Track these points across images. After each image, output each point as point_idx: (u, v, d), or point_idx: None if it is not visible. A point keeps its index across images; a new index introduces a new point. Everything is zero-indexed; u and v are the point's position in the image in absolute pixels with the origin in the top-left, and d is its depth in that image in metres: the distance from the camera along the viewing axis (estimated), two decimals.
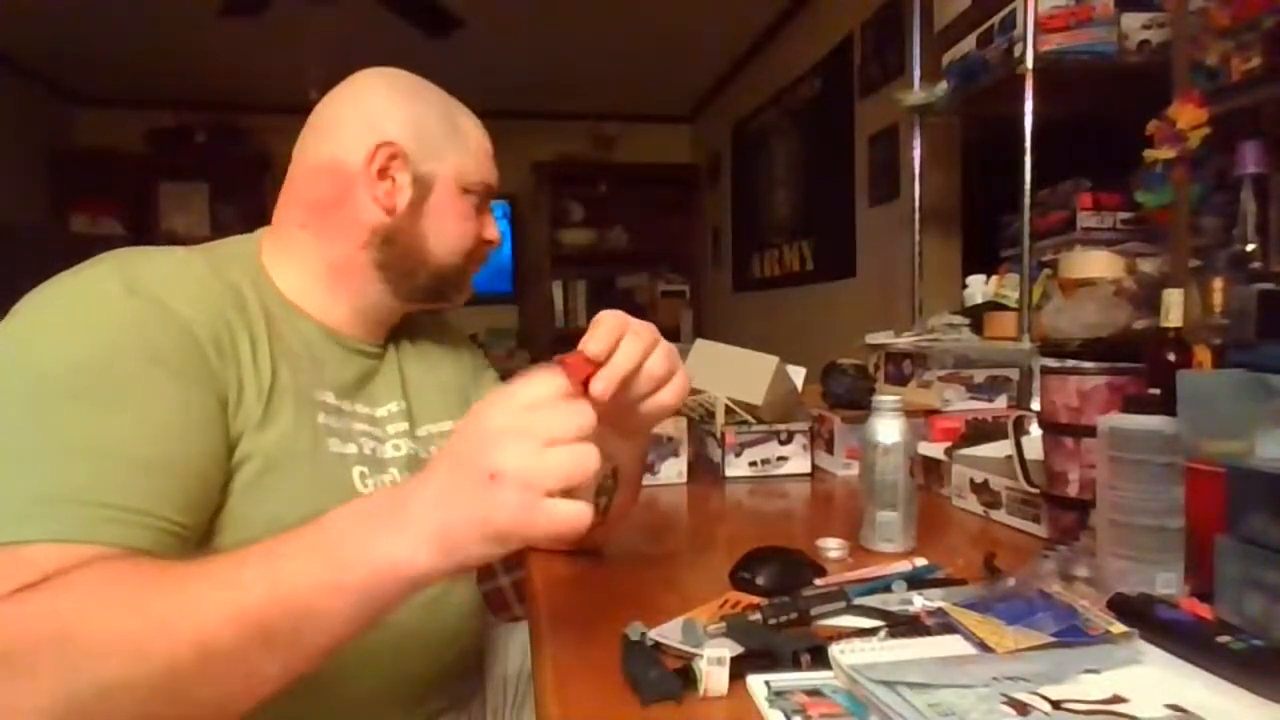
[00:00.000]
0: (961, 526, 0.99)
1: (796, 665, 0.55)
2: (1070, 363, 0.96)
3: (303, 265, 0.77)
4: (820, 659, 0.55)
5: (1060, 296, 1.47)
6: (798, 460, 1.27)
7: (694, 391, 1.26)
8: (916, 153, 2.13)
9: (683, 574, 0.85)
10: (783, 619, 0.61)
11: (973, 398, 1.37)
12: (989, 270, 1.84)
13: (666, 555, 0.93)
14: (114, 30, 3.55)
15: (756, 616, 0.61)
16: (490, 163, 0.83)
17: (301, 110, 0.83)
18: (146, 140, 4.45)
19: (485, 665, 0.95)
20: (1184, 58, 1.35)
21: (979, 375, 1.39)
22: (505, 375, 0.83)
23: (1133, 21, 1.61)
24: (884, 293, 2.66)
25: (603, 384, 0.58)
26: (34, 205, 4.16)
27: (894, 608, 0.65)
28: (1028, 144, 1.61)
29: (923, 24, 2.11)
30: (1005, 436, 0.96)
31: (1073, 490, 0.84)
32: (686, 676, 0.53)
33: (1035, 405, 1.19)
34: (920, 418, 1.20)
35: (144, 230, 4.38)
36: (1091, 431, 0.73)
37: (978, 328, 1.72)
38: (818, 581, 0.72)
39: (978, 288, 1.81)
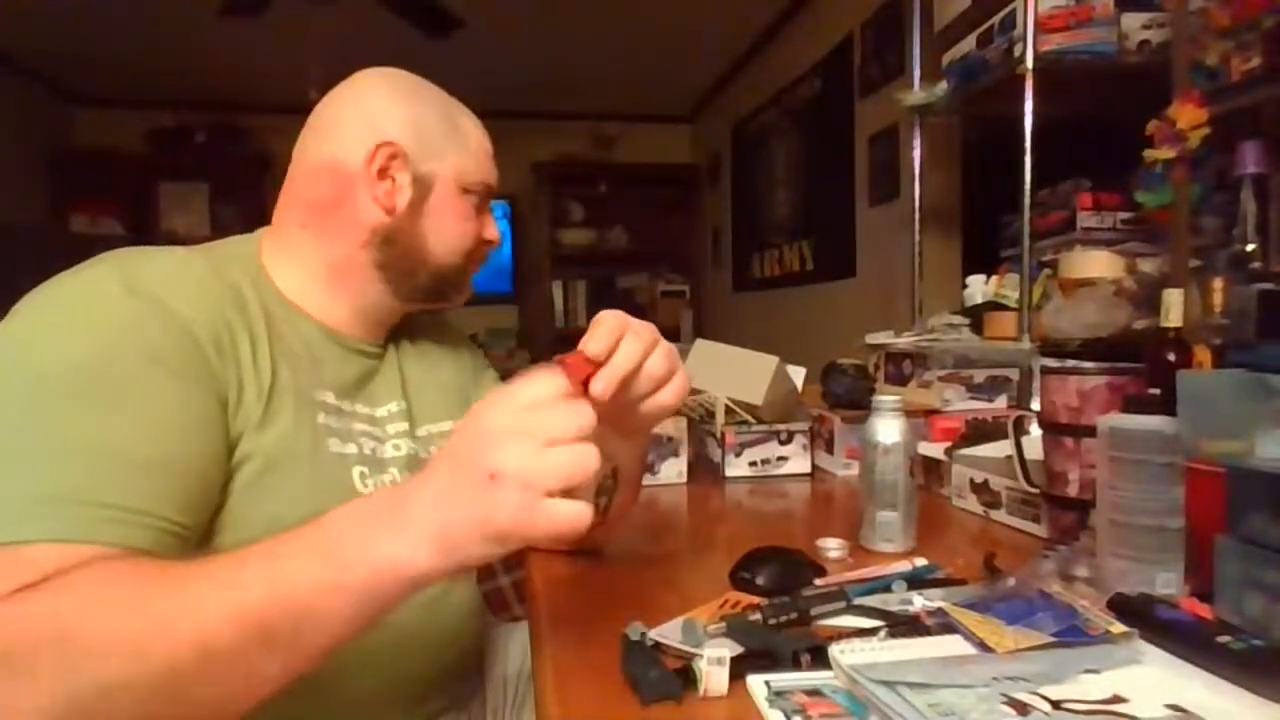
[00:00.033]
0: (961, 526, 0.99)
1: (796, 665, 0.55)
2: (1070, 363, 0.96)
3: (303, 265, 0.77)
4: (820, 659, 0.55)
5: (1060, 296, 1.47)
6: (798, 460, 1.27)
7: (694, 391, 1.26)
8: (916, 153, 2.13)
9: (683, 574, 0.85)
10: (783, 619, 0.61)
11: (973, 398, 1.37)
12: (989, 270, 1.84)
13: (666, 555, 0.93)
14: (114, 30, 3.55)
15: (756, 616, 0.61)
16: (490, 163, 0.83)
17: (301, 110, 0.83)
18: (146, 140, 4.45)
19: (485, 665, 0.95)
20: (1184, 58, 1.35)
21: (979, 375, 1.39)
22: (505, 375, 0.83)
23: (1133, 21, 1.61)
24: (884, 293, 2.66)
25: (603, 384, 0.58)
26: (34, 205, 4.16)
27: (894, 608, 0.65)
28: (1028, 144, 1.61)
29: (923, 24, 2.11)
30: (1005, 436, 0.96)
31: (1073, 490, 0.84)
32: (686, 676, 0.53)
33: (1035, 405, 1.19)
34: (920, 418, 1.20)
35: (144, 230, 4.38)
36: (1091, 431, 0.73)
37: (978, 328, 1.72)
38: (818, 581, 0.72)
39: (978, 288, 1.81)
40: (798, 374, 1.42)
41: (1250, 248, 1.19)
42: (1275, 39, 1.19)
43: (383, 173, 0.76)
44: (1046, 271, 1.64)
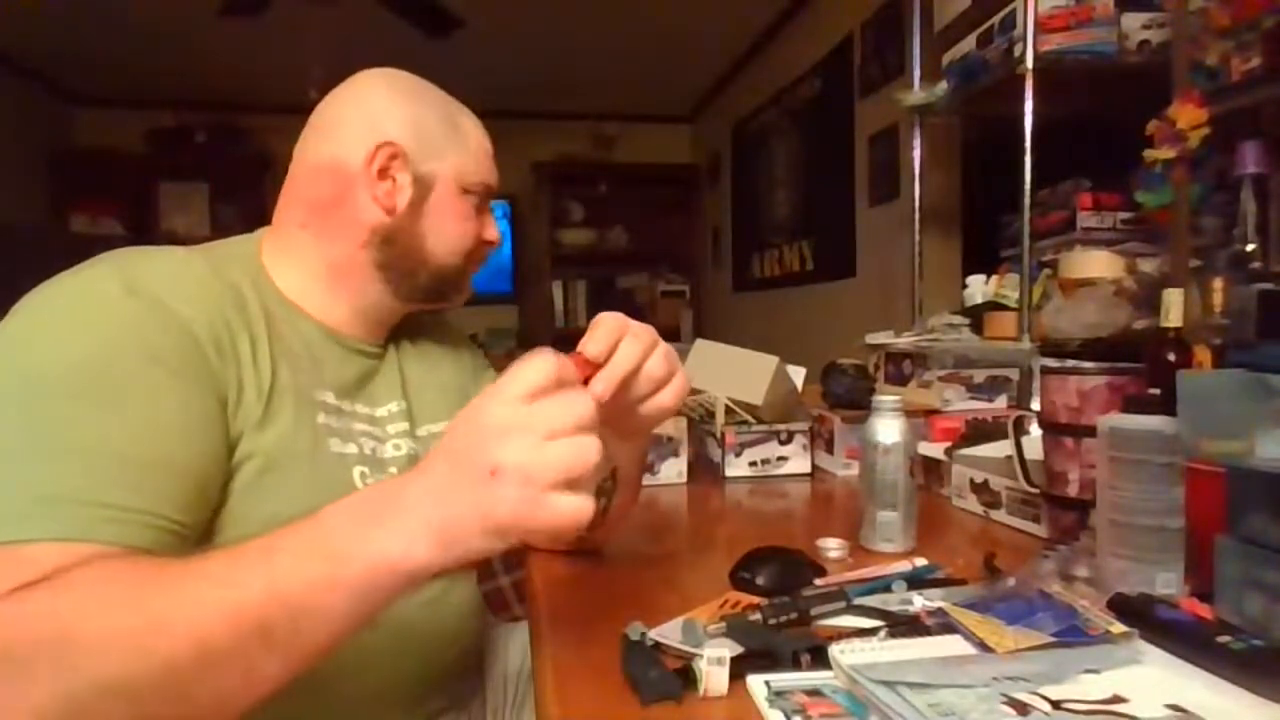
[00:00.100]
0: (961, 526, 0.99)
1: (796, 665, 0.55)
2: (1070, 363, 0.96)
3: (303, 265, 0.77)
4: (820, 659, 0.55)
5: (1060, 296, 1.47)
6: (798, 460, 1.27)
7: (694, 391, 1.26)
8: (916, 153, 2.13)
9: (683, 574, 0.85)
10: (783, 619, 0.61)
11: (973, 398, 1.37)
12: (989, 270, 1.84)
13: (666, 555, 0.93)
14: (114, 30, 3.55)
15: (756, 616, 0.61)
16: (490, 163, 0.83)
17: (301, 110, 0.83)
18: (146, 140, 4.45)
19: (485, 665, 0.95)
20: (1184, 58, 1.35)
21: (979, 375, 1.39)
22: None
23: (1133, 21, 1.61)
24: (884, 293, 2.66)
25: (602, 385, 0.58)
26: (34, 205, 4.16)
27: (894, 608, 0.65)
28: (1028, 144, 1.61)
29: (923, 24, 2.11)
30: (1005, 436, 0.96)
31: (1073, 490, 0.84)
32: (686, 676, 0.53)
33: (1035, 405, 1.19)
34: (920, 418, 1.20)
35: (144, 230, 4.38)
36: (1091, 431, 0.73)
37: (978, 328, 1.72)
38: (818, 581, 0.72)
39: (978, 288, 1.81)
40: (798, 374, 1.42)
41: (1250, 248, 1.19)
42: (1275, 39, 1.19)
43: (383, 173, 0.76)
44: (1046, 271, 1.64)
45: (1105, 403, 0.81)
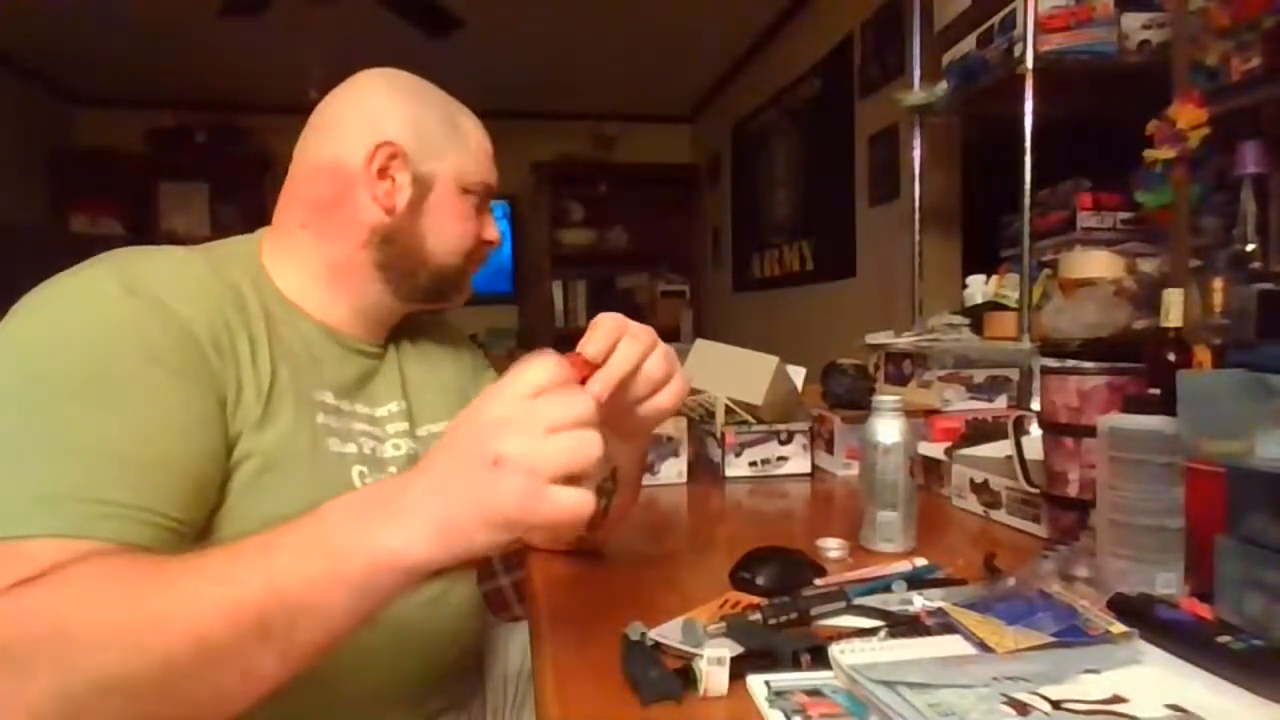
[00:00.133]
0: (961, 526, 0.99)
1: (796, 665, 0.55)
2: (1070, 363, 0.96)
3: (303, 265, 0.77)
4: (820, 659, 0.55)
5: (1060, 296, 1.47)
6: (798, 460, 1.27)
7: (694, 391, 1.26)
8: (916, 153, 2.13)
9: (683, 574, 0.85)
10: (783, 619, 0.61)
11: (973, 398, 1.37)
12: (989, 270, 1.84)
13: (666, 555, 0.93)
14: (114, 30, 3.55)
15: (756, 616, 0.61)
16: (490, 163, 0.83)
17: (301, 110, 0.83)
18: (146, 140, 4.45)
19: (485, 665, 0.95)
20: (1184, 58, 1.35)
21: (979, 375, 1.39)
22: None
23: (1133, 21, 1.61)
24: (884, 293, 2.66)
25: (600, 385, 0.58)
26: (34, 205, 4.16)
27: (894, 608, 0.65)
28: (1028, 144, 1.61)
29: (923, 24, 2.11)
30: (1005, 436, 0.96)
31: (1073, 490, 0.84)
32: (686, 676, 0.53)
33: (1035, 405, 1.19)
34: (920, 418, 1.20)
35: (144, 230, 4.38)
36: (1091, 431, 0.73)
37: (978, 328, 1.72)
38: (818, 581, 0.72)
39: (978, 288, 1.81)
40: (798, 374, 1.42)
41: (1250, 248, 1.19)
42: (1275, 39, 1.19)
43: (382, 172, 0.76)
44: (1046, 271, 1.64)
45: (1105, 403, 0.81)
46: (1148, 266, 1.48)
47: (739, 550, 0.77)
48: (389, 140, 0.75)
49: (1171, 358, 0.89)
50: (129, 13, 3.36)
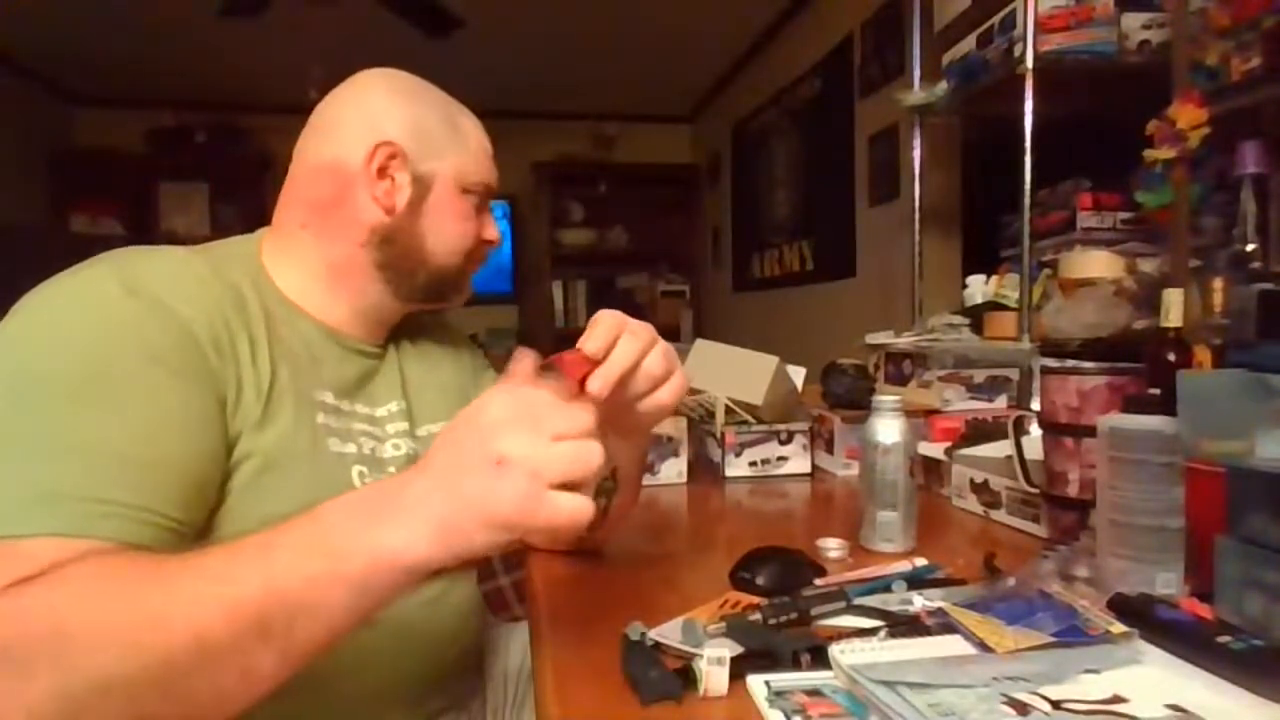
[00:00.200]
0: (961, 526, 0.99)
1: (796, 665, 0.55)
2: (1070, 363, 0.96)
3: (303, 265, 0.77)
4: (820, 659, 0.55)
5: (1060, 296, 1.47)
6: (798, 460, 1.27)
7: (694, 391, 1.26)
8: (916, 153, 2.13)
9: (683, 574, 0.85)
10: (783, 619, 0.61)
11: (973, 398, 1.37)
12: (989, 270, 1.84)
13: (666, 555, 0.93)
14: (114, 30, 3.55)
15: (756, 616, 0.61)
16: (490, 163, 0.83)
17: (301, 110, 0.83)
18: (146, 140, 4.45)
19: (485, 665, 0.95)
20: (1184, 58, 1.35)
21: (979, 375, 1.39)
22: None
23: (1133, 21, 1.61)
24: (884, 293, 2.66)
25: (600, 382, 0.58)
26: (34, 205, 4.16)
27: (894, 608, 0.65)
28: (1028, 144, 1.61)
29: (923, 24, 2.11)
30: (1005, 436, 0.96)
31: (1073, 490, 0.84)
32: (686, 676, 0.53)
33: (1035, 405, 1.19)
34: (920, 418, 1.20)
35: (144, 230, 4.37)
36: (1091, 431, 0.73)
37: (978, 328, 1.72)
38: (818, 581, 0.72)
39: (978, 288, 1.81)
40: (798, 374, 1.42)
41: (1250, 248, 1.19)
42: (1275, 39, 1.19)
43: (382, 172, 0.76)
44: (1046, 271, 1.64)
45: (1105, 403, 0.81)
46: (1148, 266, 1.48)
47: (739, 550, 0.77)
48: (389, 140, 0.75)
49: (1171, 358, 0.89)
50: (129, 13, 3.36)
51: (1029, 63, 1.59)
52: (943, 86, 1.93)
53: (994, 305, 1.73)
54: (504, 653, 0.98)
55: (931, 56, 2.04)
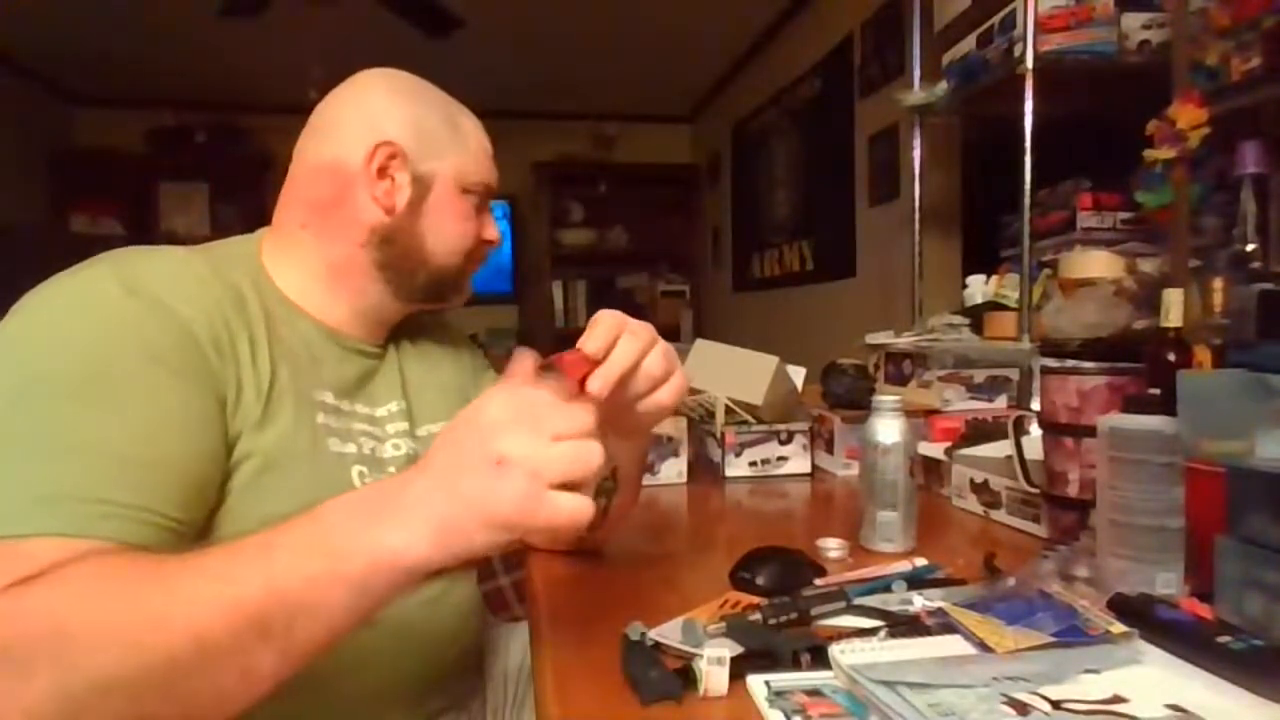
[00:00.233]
0: (961, 526, 0.99)
1: (796, 665, 0.55)
2: (1070, 363, 0.96)
3: (303, 265, 0.77)
4: (820, 659, 0.55)
5: (1060, 296, 1.47)
6: (798, 460, 1.27)
7: (694, 391, 1.26)
8: (916, 153, 2.13)
9: (683, 574, 0.85)
10: (783, 619, 0.61)
11: (973, 398, 1.37)
12: (989, 270, 1.84)
13: (666, 555, 0.93)
14: (114, 30, 3.55)
15: (756, 616, 0.61)
16: (490, 163, 0.83)
17: (301, 110, 0.83)
18: (146, 140, 4.45)
19: (485, 665, 0.95)
20: (1184, 58, 1.35)
21: (979, 375, 1.39)
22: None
23: (1133, 21, 1.61)
24: (884, 293, 2.66)
25: (600, 382, 0.58)
26: (34, 205, 4.16)
27: (894, 608, 0.65)
28: (1028, 144, 1.61)
29: (923, 24, 2.11)
30: (1005, 436, 0.96)
31: (1073, 490, 0.84)
32: (686, 676, 0.53)
33: (1035, 405, 1.19)
34: (920, 418, 1.20)
35: (144, 230, 4.38)
36: (1091, 431, 0.73)
37: (978, 328, 1.72)
38: (818, 581, 0.72)
39: (978, 288, 1.81)
40: (798, 374, 1.42)
41: (1250, 248, 1.19)
42: (1275, 39, 1.19)
43: (382, 172, 0.76)
44: (1046, 271, 1.64)
45: (1105, 403, 0.81)
46: (1148, 266, 1.48)
47: (739, 550, 0.77)
48: (389, 140, 0.75)
49: (1171, 358, 0.89)
50: (129, 13, 3.36)
51: (1029, 63, 1.59)
52: (943, 86, 1.93)
53: (994, 305, 1.73)
54: (504, 653, 0.98)
55: (931, 56, 2.04)
